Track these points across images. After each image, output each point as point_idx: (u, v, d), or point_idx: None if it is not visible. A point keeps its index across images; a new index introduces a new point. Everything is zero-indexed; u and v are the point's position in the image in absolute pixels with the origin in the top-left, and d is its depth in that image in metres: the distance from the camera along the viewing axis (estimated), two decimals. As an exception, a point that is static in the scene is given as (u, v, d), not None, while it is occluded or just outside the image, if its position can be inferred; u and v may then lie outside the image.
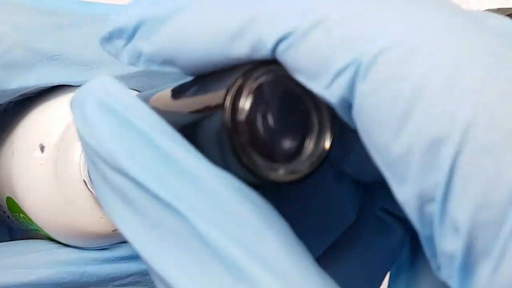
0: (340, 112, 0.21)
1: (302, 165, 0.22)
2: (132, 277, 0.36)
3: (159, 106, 0.25)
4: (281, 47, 0.21)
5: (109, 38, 0.24)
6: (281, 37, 0.21)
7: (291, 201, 0.27)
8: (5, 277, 0.34)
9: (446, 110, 0.19)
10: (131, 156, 0.22)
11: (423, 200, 0.19)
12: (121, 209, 0.22)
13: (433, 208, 0.19)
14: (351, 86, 0.20)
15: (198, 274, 0.20)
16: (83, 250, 0.36)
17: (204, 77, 0.23)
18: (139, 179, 0.21)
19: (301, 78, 0.21)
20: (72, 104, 0.24)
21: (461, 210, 0.19)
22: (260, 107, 0.22)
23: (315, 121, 0.22)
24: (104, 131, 0.22)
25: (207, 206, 0.21)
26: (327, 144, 0.22)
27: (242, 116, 0.22)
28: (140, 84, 0.36)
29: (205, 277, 0.20)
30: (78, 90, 0.24)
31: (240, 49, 0.21)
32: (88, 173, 0.34)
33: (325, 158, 0.22)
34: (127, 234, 0.22)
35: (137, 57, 0.24)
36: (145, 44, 0.23)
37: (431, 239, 0.20)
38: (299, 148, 0.22)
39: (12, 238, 0.42)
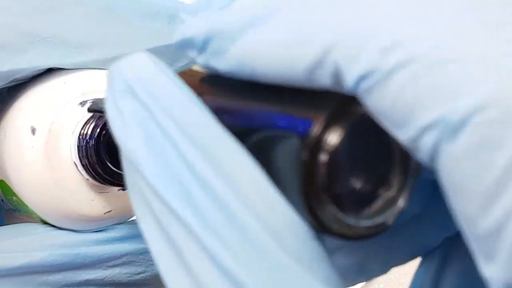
0: (425, 164, 0.19)
1: (371, 220, 0.19)
2: (126, 257, 0.36)
3: (208, 94, 0.22)
4: (363, 86, 0.19)
5: (181, 47, 0.23)
6: (362, 75, 0.18)
7: None
8: None
9: None
10: (152, 160, 0.20)
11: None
12: (139, 205, 0.21)
13: None
14: (437, 145, 0.18)
15: None
16: (76, 233, 0.36)
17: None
18: (158, 189, 0.20)
19: (385, 123, 0.19)
20: (106, 79, 0.23)
21: None
22: (347, 147, 0.18)
23: (396, 173, 0.19)
24: (129, 123, 0.21)
25: (233, 237, 0.19)
26: (403, 202, 0.19)
27: (326, 154, 0.18)
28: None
29: None
30: (113, 64, 0.22)
31: (322, 80, 0.19)
32: (79, 156, 0.34)
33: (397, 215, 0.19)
34: (145, 235, 0.21)
35: (212, 71, 0.22)
36: (218, 62, 0.22)
37: None
38: (370, 201, 0.19)
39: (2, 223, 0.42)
